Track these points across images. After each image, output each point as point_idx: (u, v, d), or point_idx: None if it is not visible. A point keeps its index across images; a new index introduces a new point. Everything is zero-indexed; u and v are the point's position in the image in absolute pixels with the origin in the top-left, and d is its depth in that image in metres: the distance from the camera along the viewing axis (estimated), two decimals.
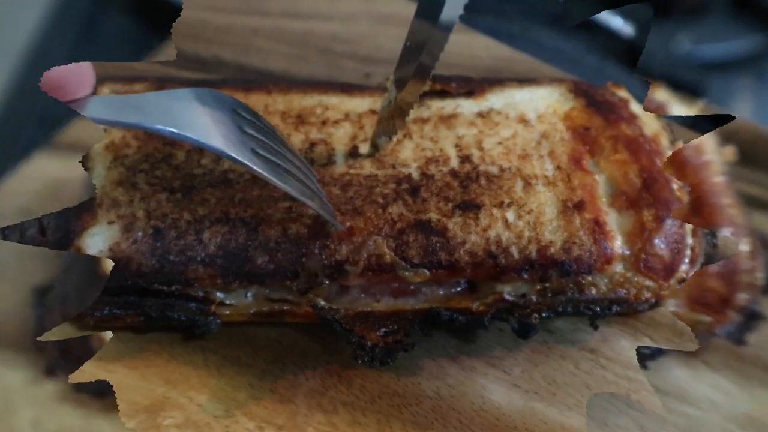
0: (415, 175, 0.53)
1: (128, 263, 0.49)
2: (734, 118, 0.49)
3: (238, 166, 0.48)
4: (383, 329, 0.49)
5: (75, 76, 0.35)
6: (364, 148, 0.55)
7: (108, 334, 0.53)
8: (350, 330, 0.49)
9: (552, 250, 0.50)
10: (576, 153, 0.54)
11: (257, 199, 0.51)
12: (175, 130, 0.40)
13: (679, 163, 0.53)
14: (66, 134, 0.73)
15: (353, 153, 0.54)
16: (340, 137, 0.55)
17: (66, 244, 0.49)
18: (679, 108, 0.57)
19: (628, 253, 0.51)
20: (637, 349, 0.50)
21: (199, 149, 0.54)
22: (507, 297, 0.50)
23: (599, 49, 0.86)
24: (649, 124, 0.57)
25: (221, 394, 0.51)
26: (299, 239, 0.49)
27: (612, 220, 0.52)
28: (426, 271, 0.49)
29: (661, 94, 0.59)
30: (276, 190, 0.50)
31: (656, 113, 0.56)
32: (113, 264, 0.49)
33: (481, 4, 0.93)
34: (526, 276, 0.49)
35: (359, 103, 0.58)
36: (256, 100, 0.57)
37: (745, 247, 0.50)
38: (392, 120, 0.52)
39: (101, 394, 0.51)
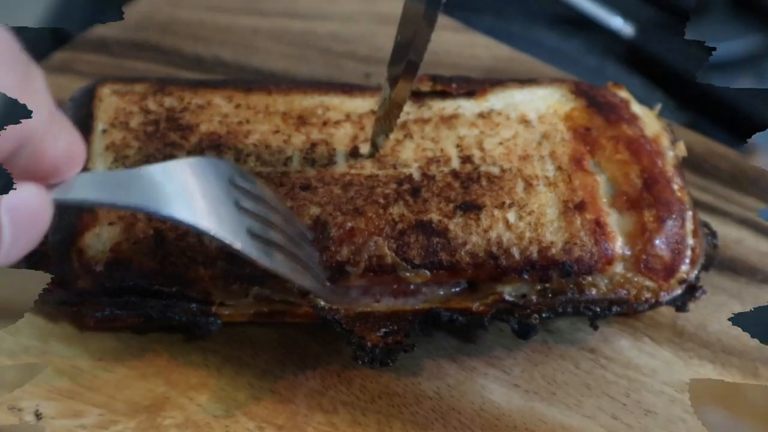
0: (416, 175, 0.53)
1: (129, 264, 0.49)
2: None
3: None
4: (383, 330, 0.49)
5: (67, 158, 0.33)
6: (364, 149, 0.55)
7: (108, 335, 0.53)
8: (350, 330, 0.49)
9: (553, 250, 0.50)
10: (577, 153, 0.54)
11: None
12: (168, 214, 0.38)
13: (636, 148, 0.54)
14: None
15: (354, 153, 0.54)
16: (341, 137, 0.55)
17: (67, 245, 0.49)
18: (638, 108, 0.58)
19: (628, 253, 0.51)
20: (584, 312, 0.51)
21: (200, 149, 0.54)
22: (507, 297, 0.50)
23: (599, 49, 0.86)
24: (650, 124, 0.57)
25: (221, 394, 0.51)
26: None
27: (613, 220, 0.52)
28: (427, 271, 0.49)
29: (622, 93, 0.59)
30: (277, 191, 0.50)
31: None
32: (114, 264, 0.49)
33: (481, 4, 0.94)
34: (526, 277, 0.49)
35: (360, 104, 0.58)
36: (257, 101, 0.57)
37: (689, 224, 0.52)
38: (388, 118, 0.52)
39: (65, 303, 0.51)
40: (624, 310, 0.52)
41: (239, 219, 0.42)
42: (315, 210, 0.50)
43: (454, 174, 0.53)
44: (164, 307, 0.50)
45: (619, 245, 0.51)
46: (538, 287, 0.50)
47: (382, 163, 0.54)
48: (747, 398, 0.52)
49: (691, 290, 0.52)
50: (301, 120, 0.56)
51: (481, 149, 0.54)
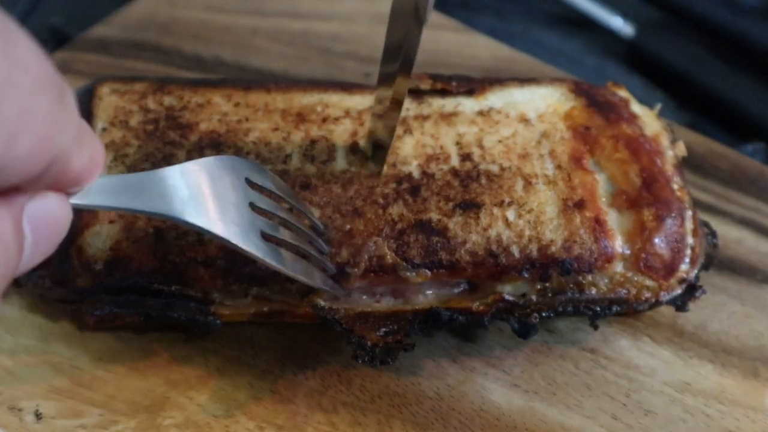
0: (416, 173, 0.53)
1: (129, 262, 0.49)
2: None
3: None
4: (383, 329, 0.49)
5: (90, 168, 0.33)
6: (364, 144, 0.55)
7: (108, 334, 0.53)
8: (350, 330, 0.49)
9: (553, 248, 0.50)
10: (576, 152, 0.54)
11: None
12: (183, 219, 0.38)
13: (635, 147, 0.54)
14: None
15: (354, 149, 0.54)
16: (341, 133, 0.55)
17: (67, 243, 0.49)
18: (638, 107, 0.58)
19: (628, 252, 0.51)
20: (584, 312, 0.51)
21: (199, 148, 0.54)
22: (507, 297, 0.50)
23: (599, 49, 0.86)
24: (650, 124, 0.57)
25: (221, 394, 0.51)
26: None
27: (612, 219, 0.52)
28: (427, 271, 0.49)
29: (622, 92, 0.59)
30: None
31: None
32: (114, 263, 0.49)
33: (481, 4, 0.94)
34: (526, 275, 0.49)
35: (359, 101, 0.58)
36: (256, 99, 0.57)
37: (689, 223, 0.52)
38: (387, 118, 0.51)
39: (64, 301, 0.51)
40: (624, 310, 0.52)
41: (253, 221, 0.42)
42: (315, 212, 0.50)
43: (454, 172, 0.53)
44: (164, 306, 0.50)
45: (618, 243, 0.51)
46: (538, 286, 0.50)
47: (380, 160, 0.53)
48: None
49: (691, 290, 0.52)
50: (301, 117, 0.56)
51: (481, 147, 0.54)
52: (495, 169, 0.53)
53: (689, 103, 0.80)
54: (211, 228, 0.39)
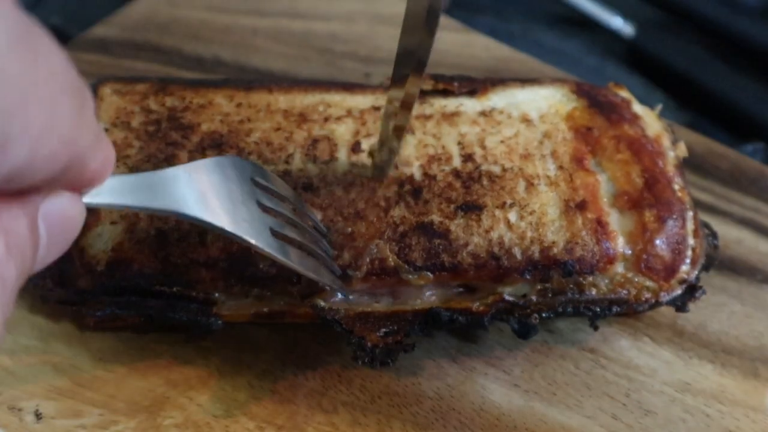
0: (417, 175, 0.53)
1: (130, 264, 0.49)
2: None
3: None
4: (383, 330, 0.49)
5: (103, 169, 0.34)
6: (366, 144, 0.55)
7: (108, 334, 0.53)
8: (350, 330, 0.49)
9: (555, 250, 0.50)
10: (578, 153, 0.54)
11: None
12: (196, 216, 0.39)
13: (637, 148, 0.54)
14: None
15: (355, 148, 0.54)
16: (342, 133, 0.55)
17: None
18: (639, 108, 0.58)
19: (629, 253, 0.51)
20: (584, 312, 0.51)
21: (201, 148, 0.54)
22: (507, 297, 0.50)
23: (599, 49, 0.86)
24: (651, 124, 0.57)
25: (221, 394, 0.51)
26: None
27: (614, 220, 0.52)
28: (429, 273, 0.49)
29: (623, 93, 0.59)
30: None
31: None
32: (115, 264, 0.49)
33: (481, 4, 0.94)
34: (528, 277, 0.49)
35: (361, 100, 0.58)
36: (258, 100, 0.57)
37: (690, 224, 0.53)
38: (395, 121, 0.50)
39: (65, 302, 0.51)
40: (624, 310, 0.52)
41: (262, 219, 0.42)
42: (317, 214, 0.50)
43: (456, 173, 0.53)
44: (165, 307, 0.50)
45: (620, 244, 0.51)
46: (539, 287, 0.50)
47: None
48: None
49: (691, 290, 0.52)
50: (303, 117, 0.56)
51: (483, 147, 0.54)
52: (497, 169, 0.53)
53: (689, 103, 0.80)
54: (223, 225, 0.39)
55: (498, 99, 0.58)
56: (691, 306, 0.52)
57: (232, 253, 0.49)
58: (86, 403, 0.50)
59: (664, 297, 0.51)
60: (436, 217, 0.50)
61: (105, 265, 0.49)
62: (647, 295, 0.51)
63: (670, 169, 0.54)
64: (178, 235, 0.49)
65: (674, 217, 0.52)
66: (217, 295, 0.50)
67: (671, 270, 0.51)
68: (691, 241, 0.52)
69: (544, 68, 0.74)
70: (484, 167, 0.53)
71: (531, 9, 0.92)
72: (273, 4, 0.81)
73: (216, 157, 0.42)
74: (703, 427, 0.51)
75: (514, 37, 0.86)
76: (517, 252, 0.50)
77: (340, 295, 0.49)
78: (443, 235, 0.50)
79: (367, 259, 0.49)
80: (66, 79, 0.28)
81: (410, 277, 0.49)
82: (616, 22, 0.84)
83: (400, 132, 0.50)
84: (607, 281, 0.51)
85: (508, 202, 0.51)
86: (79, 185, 0.33)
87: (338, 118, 0.56)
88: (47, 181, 0.29)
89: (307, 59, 0.75)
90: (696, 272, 0.52)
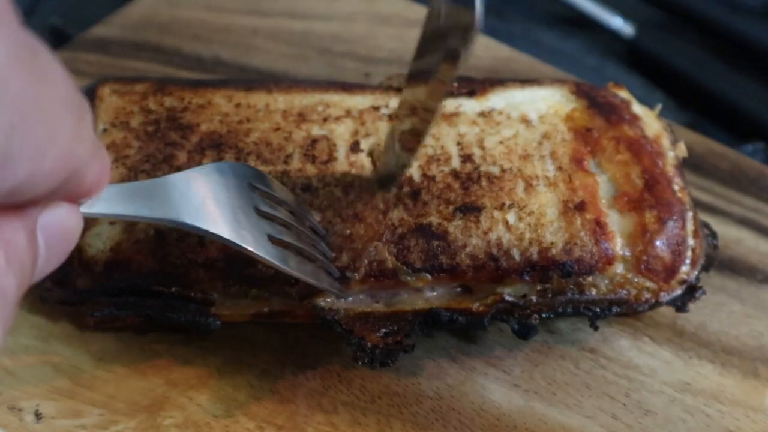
0: (416, 176, 0.53)
1: (129, 264, 0.49)
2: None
3: None
4: (383, 330, 0.49)
5: (100, 179, 0.34)
6: (365, 143, 0.55)
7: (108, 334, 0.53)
8: (350, 331, 0.49)
9: (553, 251, 0.50)
10: (577, 154, 0.54)
11: None
12: (194, 225, 0.39)
13: (637, 149, 0.54)
14: None
15: (354, 148, 0.54)
16: (342, 133, 0.55)
17: None
18: (639, 108, 0.58)
19: (629, 254, 0.51)
20: (584, 313, 0.51)
21: (200, 149, 0.54)
22: (507, 297, 0.50)
23: (599, 49, 0.86)
24: (651, 125, 0.57)
25: (221, 394, 0.51)
26: None
27: (613, 221, 0.52)
28: (428, 275, 0.49)
29: (623, 93, 0.59)
30: None
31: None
32: (114, 264, 0.49)
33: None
34: (527, 278, 0.49)
35: (360, 100, 0.58)
36: (257, 100, 0.57)
37: (690, 225, 0.53)
38: (412, 131, 0.47)
39: (64, 302, 0.51)
40: (624, 311, 0.52)
41: (260, 226, 0.42)
42: (316, 216, 0.50)
43: (455, 174, 0.53)
44: (164, 307, 0.50)
45: (619, 245, 0.51)
46: (539, 287, 0.50)
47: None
48: None
49: (691, 291, 0.52)
50: (302, 117, 0.56)
51: (482, 148, 0.54)
52: (496, 170, 0.53)
53: (689, 103, 0.80)
54: (221, 233, 0.40)
55: (497, 99, 0.58)
56: (690, 306, 0.52)
57: (231, 253, 0.49)
58: (86, 403, 0.50)
59: (664, 297, 0.51)
60: (434, 219, 0.50)
61: (103, 266, 0.49)
62: (647, 295, 0.51)
63: (670, 169, 0.54)
64: (177, 236, 0.49)
65: (674, 218, 0.52)
66: (215, 295, 0.50)
67: (671, 271, 0.51)
68: (691, 241, 0.52)
69: (544, 68, 0.74)
70: (483, 168, 0.53)
71: (531, 9, 0.92)
72: (273, 4, 0.81)
73: (213, 164, 0.42)
74: (703, 427, 0.51)
75: (514, 37, 0.86)
76: (515, 253, 0.50)
77: (338, 298, 0.49)
78: (442, 237, 0.50)
79: (366, 261, 0.49)
80: (66, 94, 0.28)
81: (409, 278, 0.49)
82: (616, 22, 0.84)
83: (414, 142, 0.48)
84: (607, 282, 0.50)
85: (507, 203, 0.51)
86: (76, 196, 0.33)
87: (337, 118, 0.56)
88: (47, 195, 0.30)
89: (307, 59, 0.75)
90: (696, 273, 0.52)
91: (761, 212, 0.64)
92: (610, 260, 0.50)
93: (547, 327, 0.55)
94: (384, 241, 0.49)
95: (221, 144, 0.54)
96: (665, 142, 0.56)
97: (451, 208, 0.51)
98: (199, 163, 0.53)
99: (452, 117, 0.56)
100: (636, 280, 0.50)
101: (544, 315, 0.50)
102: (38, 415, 0.49)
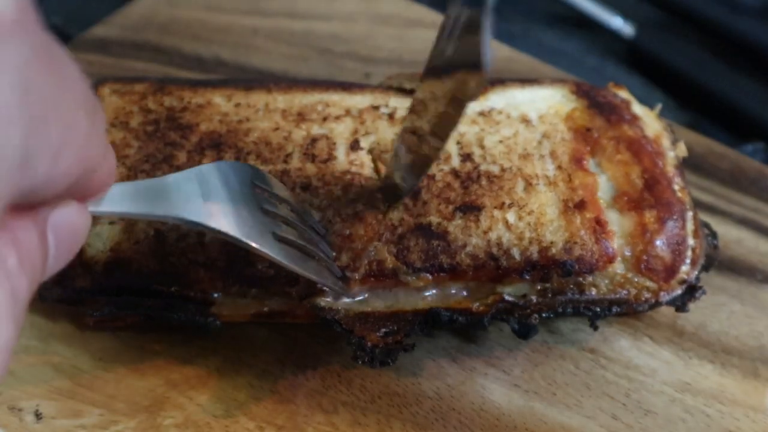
0: None
1: (129, 264, 0.49)
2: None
3: None
4: (383, 330, 0.49)
5: (108, 178, 0.35)
6: (365, 142, 0.55)
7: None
8: (350, 330, 0.49)
9: (553, 250, 0.49)
10: (577, 153, 0.54)
11: None
12: (198, 221, 0.39)
13: (637, 149, 0.54)
14: None
15: (354, 146, 0.54)
16: (341, 132, 0.55)
17: None
18: (639, 108, 0.58)
19: (629, 253, 0.51)
20: (584, 313, 0.51)
21: (200, 149, 0.54)
22: (507, 297, 0.50)
23: (599, 49, 0.86)
24: (651, 125, 0.57)
25: (221, 394, 0.51)
26: None
27: (613, 220, 0.52)
28: (428, 275, 0.49)
29: (623, 93, 0.59)
30: None
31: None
32: (113, 264, 0.49)
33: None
34: (527, 277, 0.49)
35: (360, 100, 0.58)
36: (257, 99, 0.57)
37: (690, 225, 0.53)
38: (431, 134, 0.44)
39: (63, 301, 0.51)
40: (624, 311, 0.52)
41: (265, 223, 0.43)
42: (315, 215, 0.50)
43: (454, 173, 0.53)
44: (163, 307, 0.50)
45: (619, 244, 0.51)
46: (539, 287, 0.50)
47: (382, 160, 0.53)
48: None
49: (691, 291, 0.52)
50: (301, 116, 0.56)
51: (482, 147, 0.54)
52: (495, 169, 0.53)
53: (689, 103, 0.80)
54: (227, 230, 0.40)
55: (497, 99, 0.58)
56: (691, 306, 0.52)
57: (230, 253, 0.49)
58: (86, 403, 0.50)
59: (664, 297, 0.51)
60: (434, 219, 0.50)
61: (103, 265, 0.49)
62: (647, 295, 0.51)
63: (670, 169, 0.54)
64: (176, 236, 0.49)
65: (674, 218, 0.52)
66: (215, 295, 0.50)
67: (671, 271, 0.51)
68: (691, 241, 0.52)
69: (544, 68, 0.74)
70: (482, 167, 0.53)
71: (531, 9, 0.92)
72: (273, 4, 0.81)
73: (216, 162, 0.43)
74: (703, 427, 0.51)
75: (514, 37, 0.86)
76: (515, 252, 0.50)
77: (340, 297, 0.49)
78: (441, 236, 0.50)
79: (366, 261, 0.49)
80: (82, 94, 0.29)
81: (409, 278, 0.49)
82: (616, 22, 0.84)
83: (420, 169, 0.47)
84: (607, 281, 0.50)
85: (507, 202, 0.51)
86: (86, 195, 0.34)
87: (337, 118, 0.56)
88: (60, 194, 0.30)
89: (307, 59, 0.75)
90: (696, 272, 0.52)
91: (761, 212, 0.64)
92: (610, 259, 0.50)
93: (547, 327, 0.55)
94: (384, 240, 0.49)
95: (221, 144, 0.54)
96: (665, 142, 0.56)
97: (450, 207, 0.51)
98: (199, 163, 0.53)
99: None
100: (636, 279, 0.50)
101: (544, 315, 0.50)
102: (38, 415, 0.49)
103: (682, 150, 0.56)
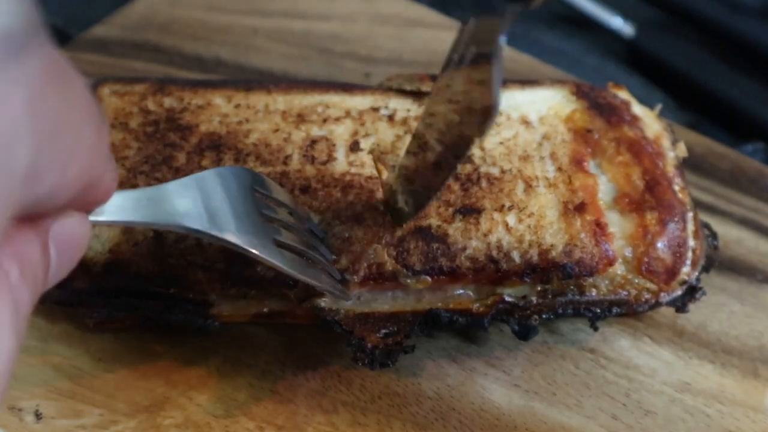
0: None
1: (127, 265, 0.49)
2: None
3: None
4: (383, 331, 0.49)
5: (110, 188, 0.35)
6: (365, 144, 0.55)
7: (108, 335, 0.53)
8: (350, 331, 0.48)
9: (553, 253, 0.49)
10: (577, 154, 0.54)
11: None
12: (199, 229, 0.39)
13: (637, 150, 0.54)
14: None
15: (354, 148, 0.54)
16: (341, 133, 0.55)
17: None
18: (639, 109, 0.58)
19: (629, 255, 0.51)
20: (584, 314, 0.51)
21: (200, 150, 0.54)
22: (507, 298, 0.50)
23: (599, 49, 0.86)
24: (651, 125, 0.57)
25: (221, 394, 0.51)
26: None
27: (614, 222, 0.52)
28: (428, 277, 0.49)
29: (623, 94, 0.59)
30: None
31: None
32: (112, 266, 0.49)
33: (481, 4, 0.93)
34: (528, 280, 0.49)
35: (360, 101, 0.58)
36: (257, 100, 0.57)
37: (690, 225, 0.53)
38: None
39: (62, 303, 0.51)
40: (624, 311, 0.52)
41: (266, 229, 0.43)
42: (315, 218, 0.50)
43: (454, 175, 0.53)
44: (162, 308, 0.50)
45: (619, 246, 0.51)
46: (539, 288, 0.50)
47: (382, 161, 0.53)
48: None
49: (691, 291, 0.52)
50: (301, 118, 0.56)
51: (481, 148, 0.54)
52: (495, 171, 0.53)
53: (689, 103, 0.80)
54: (228, 237, 0.40)
55: None
56: (691, 306, 0.52)
57: (229, 255, 0.48)
58: (86, 403, 0.50)
59: (664, 298, 0.51)
60: (434, 221, 0.50)
61: (102, 267, 0.49)
62: (647, 296, 0.51)
63: (671, 170, 0.54)
64: (175, 237, 0.49)
65: (675, 219, 0.52)
66: (214, 296, 0.50)
67: (672, 272, 0.51)
68: (691, 242, 0.52)
69: (544, 68, 0.74)
70: (482, 169, 0.53)
71: (531, 9, 0.92)
72: (273, 4, 0.81)
73: (216, 168, 0.43)
74: (703, 427, 0.51)
75: (514, 37, 0.86)
76: (515, 255, 0.49)
77: (340, 300, 0.49)
78: (441, 239, 0.50)
79: (365, 264, 0.49)
80: (88, 108, 0.29)
81: (409, 281, 0.49)
82: (616, 22, 0.84)
83: (421, 203, 0.47)
84: (607, 282, 0.50)
85: (507, 204, 0.51)
86: (88, 206, 0.34)
87: (337, 119, 0.56)
88: (63, 206, 0.30)
89: (307, 59, 0.75)
90: (696, 273, 0.52)
91: (761, 212, 0.64)
92: (610, 261, 0.50)
93: (547, 327, 0.55)
94: (383, 243, 0.49)
95: (220, 145, 0.54)
96: (665, 142, 0.56)
97: (450, 209, 0.51)
98: (199, 164, 0.53)
99: None
100: (636, 281, 0.50)
101: (544, 316, 0.50)
102: (38, 415, 0.49)
103: (682, 150, 0.56)
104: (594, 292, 0.50)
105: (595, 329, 0.52)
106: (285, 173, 0.53)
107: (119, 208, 0.36)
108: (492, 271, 0.49)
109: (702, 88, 0.78)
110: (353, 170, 0.53)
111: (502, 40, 0.38)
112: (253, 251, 0.41)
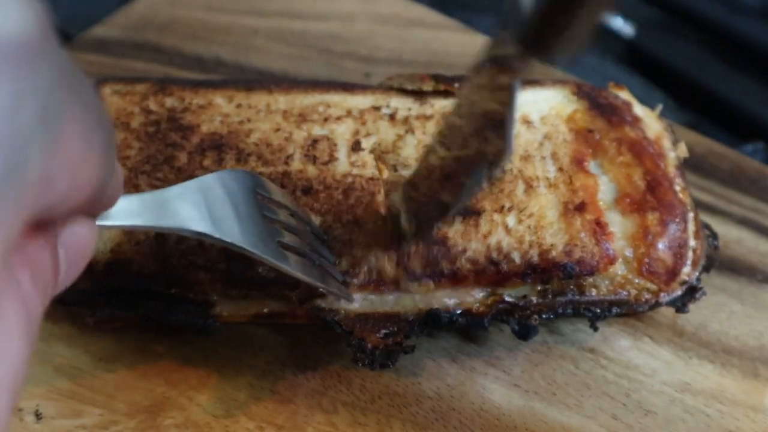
0: None
1: (129, 265, 0.49)
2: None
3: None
4: (383, 331, 0.49)
5: (116, 194, 0.35)
6: (366, 143, 0.55)
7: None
8: (350, 332, 0.48)
9: (554, 253, 0.49)
10: (578, 155, 0.54)
11: None
12: (204, 232, 0.39)
13: (638, 150, 0.54)
14: None
15: (355, 147, 0.54)
16: (342, 133, 0.55)
17: None
18: (640, 109, 0.58)
19: (630, 255, 0.51)
20: (584, 313, 0.51)
21: (201, 150, 0.54)
22: (507, 298, 0.50)
23: (599, 49, 0.86)
24: (651, 125, 0.57)
25: (221, 394, 0.51)
26: None
27: (615, 222, 0.51)
28: (429, 281, 0.49)
29: (624, 94, 0.59)
30: None
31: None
32: (114, 265, 0.49)
33: (481, 4, 0.94)
34: (529, 281, 0.49)
35: (361, 100, 0.58)
36: (258, 100, 0.57)
37: (691, 226, 0.53)
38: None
39: (63, 302, 0.51)
40: (624, 311, 0.52)
41: (270, 232, 0.43)
42: (316, 220, 0.50)
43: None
44: (163, 308, 0.50)
45: (620, 246, 0.51)
46: (539, 288, 0.50)
47: (383, 161, 0.53)
48: None
49: (692, 291, 0.52)
50: (302, 117, 0.56)
51: None
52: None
53: (689, 103, 0.80)
54: (233, 240, 0.40)
55: None
56: (691, 306, 0.52)
57: (231, 256, 0.48)
58: (86, 403, 0.50)
59: (664, 298, 0.51)
60: None
61: (103, 266, 0.49)
62: (647, 296, 0.51)
63: (671, 170, 0.54)
64: (177, 237, 0.49)
65: (676, 220, 0.52)
66: (215, 297, 0.50)
67: (673, 273, 0.51)
68: (692, 243, 0.52)
69: (544, 68, 0.74)
70: None
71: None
72: (273, 4, 0.81)
73: (217, 172, 0.43)
74: (703, 427, 0.51)
75: None
76: (516, 256, 0.49)
77: (343, 302, 0.49)
78: (441, 242, 0.50)
79: (365, 268, 0.49)
80: (98, 114, 0.29)
81: (410, 285, 0.49)
82: (616, 22, 0.84)
83: (426, 230, 0.48)
84: (607, 282, 0.50)
85: (507, 205, 0.51)
86: (95, 211, 0.34)
87: (338, 118, 0.56)
88: (72, 212, 0.30)
89: (307, 59, 0.75)
90: (696, 274, 0.52)
91: (761, 212, 0.64)
92: (611, 260, 0.50)
93: (547, 327, 0.55)
94: (384, 247, 0.49)
95: (222, 145, 0.54)
96: (666, 142, 0.56)
97: None
98: (200, 164, 0.53)
99: None
100: (636, 281, 0.50)
101: (544, 316, 0.50)
102: (38, 415, 0.49)
103: (682, 150, 0.56)
104: (594, 292, 0.50)
105: (595, 329, 0.52)
106: (287, 173, 0.53)
107: (125, 212, 0.37)
108: (492, 272, 0.49)
109: (702, 88, 0.79)
110: (355, 171, 0.53)
111: (516, 89, 0.39)
112: (258, 253, 0.41)
